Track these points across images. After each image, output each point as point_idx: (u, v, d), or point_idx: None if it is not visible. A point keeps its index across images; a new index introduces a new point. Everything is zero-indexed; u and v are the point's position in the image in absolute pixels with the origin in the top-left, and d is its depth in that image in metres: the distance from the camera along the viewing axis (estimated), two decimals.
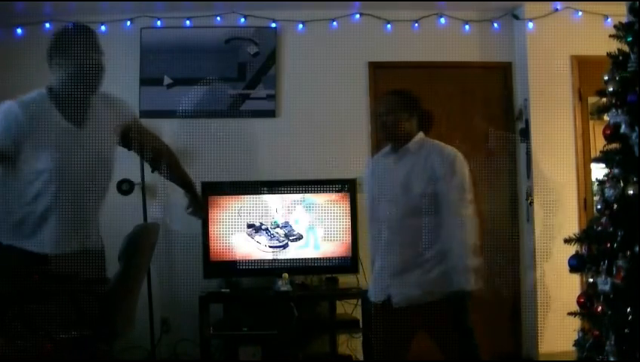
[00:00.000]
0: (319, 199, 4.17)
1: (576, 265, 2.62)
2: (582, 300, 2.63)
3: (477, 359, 2.90)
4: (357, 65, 4.53)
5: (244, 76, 4.47)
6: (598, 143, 3.67)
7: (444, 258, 2.82)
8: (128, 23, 4.45)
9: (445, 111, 4.55)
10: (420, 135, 3.00)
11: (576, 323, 2.71)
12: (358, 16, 4.54)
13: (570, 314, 2.68)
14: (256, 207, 4.16)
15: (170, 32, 4.47)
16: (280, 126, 4.47)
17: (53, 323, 2.37)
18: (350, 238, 4.14)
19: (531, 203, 4.39)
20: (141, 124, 2.86)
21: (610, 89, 2.57)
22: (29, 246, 2.45)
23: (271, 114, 4.46)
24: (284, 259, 4.10)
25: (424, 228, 2.86)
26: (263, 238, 4.11)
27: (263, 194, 4.15)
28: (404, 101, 2.99)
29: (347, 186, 4.18)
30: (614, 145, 2.57)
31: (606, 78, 2.61)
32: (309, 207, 4.17)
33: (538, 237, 4.34)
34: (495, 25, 4.60)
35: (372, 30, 4.55)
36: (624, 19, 2.59)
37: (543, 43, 4.42)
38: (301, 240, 4.14)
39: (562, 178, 4.36)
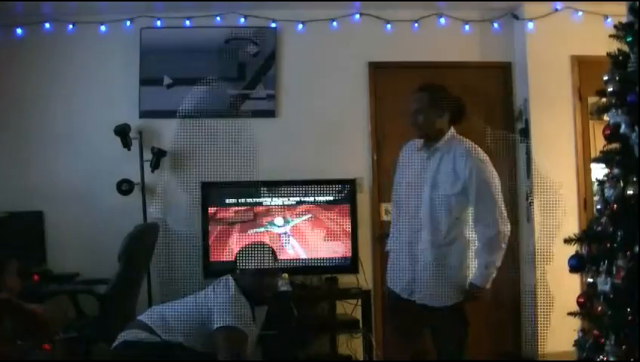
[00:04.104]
0: (319, 199, 4.17)
1: (576, 265, 2.61)
2: (582, 300, 2.63)
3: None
4: (357, 65, 4.53)
5: (244, 76, 4.46)
6: (598, 143, 3.67)
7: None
8: (128, 23, 4.45)
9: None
10: (451, 131, 3.00)
11: (576, 323, 2.70)
12: (358, 16, 4.54)
13: (570, 314, 2.67)
14: (255, 207, 4.17)
15: (170, 32, 4.47)
16: (280, 126, 4.47)
17: None
18: (350, 238, 4.15)
19: (531, 203, 4.39)
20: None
21: (610, 89, 2.57)
22: None
23: (271, 114, 4.46)
24: (284, 259, 4.09)
25: (446, 230, 2.91)
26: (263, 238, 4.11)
27: (263, 194, 4.14)
28: (436, 97, 2.97)
29: (347, 186, 4.18)
30: (614, 145, 2.57)
31: (606, 78, 2.61)
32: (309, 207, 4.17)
33: (538, 237, 4.33)
34: (495, 25, 4.60)
35: (372, 30, 4.54)
36: (624, 19, 2.59)
37: (542, 43, 4.42)
38: (301, 240, 4.14)
39: (562, 178, 4.35)
